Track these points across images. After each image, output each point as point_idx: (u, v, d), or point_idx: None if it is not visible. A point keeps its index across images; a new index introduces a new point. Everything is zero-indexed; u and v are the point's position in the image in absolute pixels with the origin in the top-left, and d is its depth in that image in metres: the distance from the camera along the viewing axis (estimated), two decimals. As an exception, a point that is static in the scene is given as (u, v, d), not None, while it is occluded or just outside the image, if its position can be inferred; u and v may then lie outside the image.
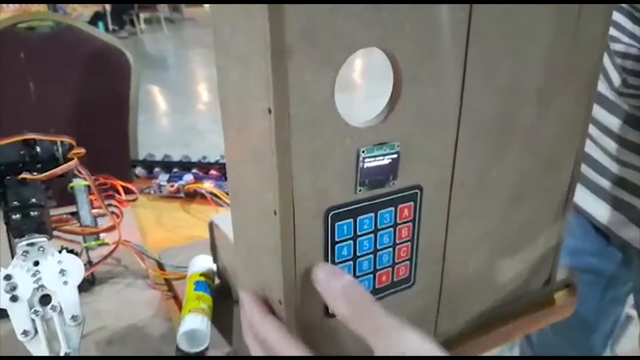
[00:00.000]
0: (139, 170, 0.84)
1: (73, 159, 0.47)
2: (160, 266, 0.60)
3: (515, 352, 1.12)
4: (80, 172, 0.50)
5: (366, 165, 0.32)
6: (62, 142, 0.46)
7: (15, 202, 0.44)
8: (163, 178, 0.79)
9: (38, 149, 0.46)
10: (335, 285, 0.31)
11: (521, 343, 1.00)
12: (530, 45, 0.36)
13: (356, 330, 0.29)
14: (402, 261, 0.37)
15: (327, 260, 0.33)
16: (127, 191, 0.68)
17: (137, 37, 6.83)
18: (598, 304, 0.83)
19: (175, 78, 5.12)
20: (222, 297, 0.51)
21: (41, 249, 0.42)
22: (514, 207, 0.43)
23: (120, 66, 1.14)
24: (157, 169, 0.82)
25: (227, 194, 0.72)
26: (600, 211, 0.76)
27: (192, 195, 0.77)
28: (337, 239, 0.33)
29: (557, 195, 0.46)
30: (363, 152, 0.31)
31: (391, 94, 0.32)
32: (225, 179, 0.78)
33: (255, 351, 0.34)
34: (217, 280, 0.54)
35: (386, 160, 0.32)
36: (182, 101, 4.21)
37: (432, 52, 0.32)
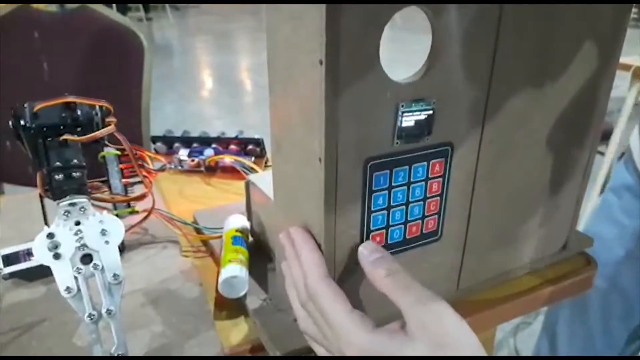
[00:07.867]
0: (158, 146, 0.85)
1: (110, 124, 0.49)
2: (197, 230, 0.61)
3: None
4: (116, 137, 0.51)
5: (404, 119, 0.34)
6: (100, 106, 0.48)
7: (58, 163, 0.44)
8: (183, 153, 0.80)
9: (78, 112, 0.47)
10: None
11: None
12: (559, 8, 0.38)
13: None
14: (431, 215, 0.39)
15: (364, 208, 0.35)
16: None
17: (142, 23, 6.80)
18: None
19: (180, 65, 5.09)
20: (256, 253, 0.53)
21: (82, 209, 0.42)
22: (538, 170, 0.45)
23: (134, 47, 1.14)
24: (176, 145, 0.83)
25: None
26: None
27: (213, 169, 0.79)
28: (374, 188, 0.35)
29: (578, 163, 0.48)
30: (402, 106, 0.33)
31: (429, 53, 0.34)
32: (245, 153, 0.80)
33: (295, 272, 0.36)
34: (250, 239, 0.56)
35: (422, 116, 0.34)
36: (187, 88, 4.20)
37: (468, 13, 0.33)
